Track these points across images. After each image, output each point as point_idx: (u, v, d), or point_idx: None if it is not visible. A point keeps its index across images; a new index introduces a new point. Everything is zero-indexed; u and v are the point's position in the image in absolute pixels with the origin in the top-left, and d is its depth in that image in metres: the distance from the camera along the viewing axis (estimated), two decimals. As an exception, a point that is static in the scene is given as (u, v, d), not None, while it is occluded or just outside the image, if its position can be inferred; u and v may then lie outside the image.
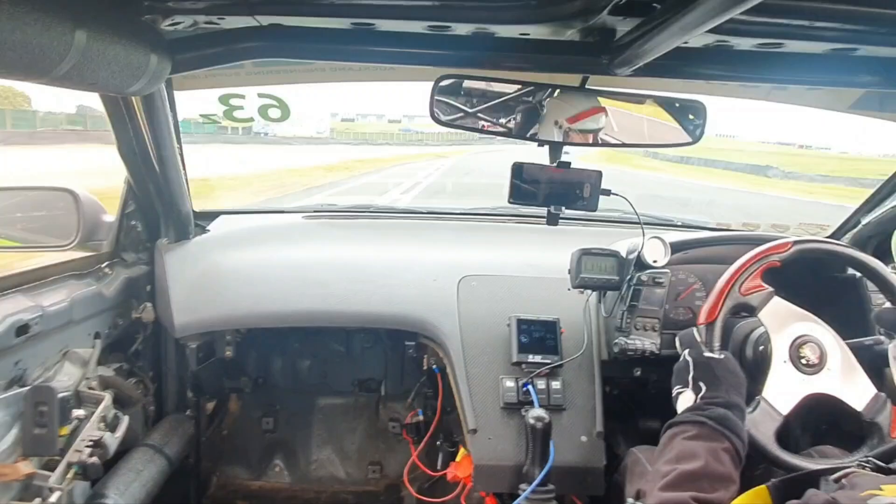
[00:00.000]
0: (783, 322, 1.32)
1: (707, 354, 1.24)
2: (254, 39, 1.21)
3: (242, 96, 1.74)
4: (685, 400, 1.19)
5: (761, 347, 1.35)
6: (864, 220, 1.75)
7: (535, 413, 1.49)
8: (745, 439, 1.10)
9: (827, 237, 1.88)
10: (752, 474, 1.37)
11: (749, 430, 1.19)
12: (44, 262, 1.50)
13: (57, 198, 1.72)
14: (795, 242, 1.35)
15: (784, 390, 1.27)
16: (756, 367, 1.37)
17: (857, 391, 1.29)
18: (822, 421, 1.62)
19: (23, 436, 1.28)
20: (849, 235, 1.80)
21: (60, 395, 1.33)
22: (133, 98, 1.46)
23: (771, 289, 1.33)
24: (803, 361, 1.28)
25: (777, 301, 1.33)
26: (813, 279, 1.66)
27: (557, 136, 1.37)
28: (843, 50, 1.15)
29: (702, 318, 1.30)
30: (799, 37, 1.10)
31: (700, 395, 1.16)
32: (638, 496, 1.31)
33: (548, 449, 1.48)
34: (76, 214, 1.67)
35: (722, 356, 1.24)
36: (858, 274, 1.63)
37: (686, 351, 1.27)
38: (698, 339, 1.28)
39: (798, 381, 1.28)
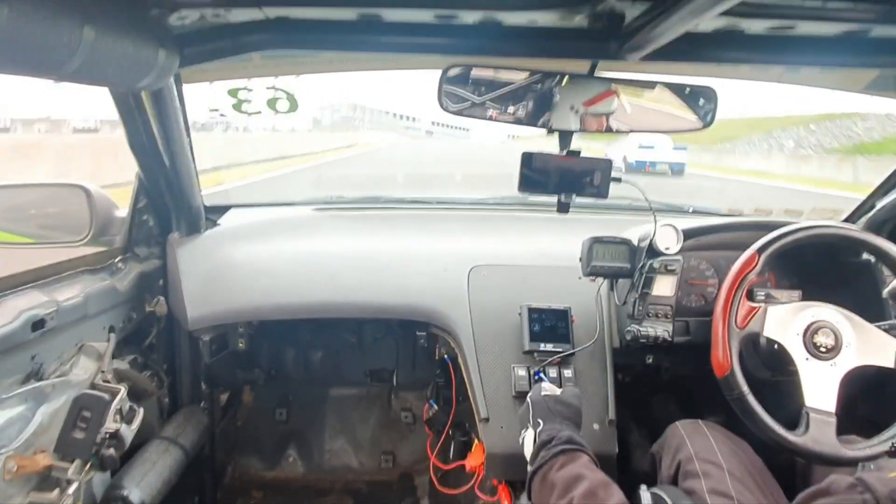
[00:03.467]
0: (786, 323, 1.31)
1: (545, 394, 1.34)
2: (261, 31, 1.21)
3: (250, 90, 1.74)
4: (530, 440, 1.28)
5: (776, 346, 1.34)
6: (879, 204, 1.72)
7: None
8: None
9: (843, 221, 1.85)
10: (776, 464, 1.36)
11: (812, 449, 1.21)
12: (58, 257, 1.51)
13: (69, 194, 1.73)
14: (759, 250, 1.36)
15: (821, 388, 1.26)
16: (773, 359, 1.36)
17: (883, 350, 1.28)
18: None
19: (61, 436, 1.30)
20: (863, 220, 1.77)
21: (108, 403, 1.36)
22: (142, 93, 1.47)
23: (762, 304, 1.33)
24: (822, 350, 1.27)
25: (772, 310, 1.32)
26: (827, 266, 1.64)
27: (572, 124, 1.36)
28: (856, 31, 1.13)
29: (719, 371, 1.31)
30: (811, 18, 1.08)
31: (539, 431, 1.25)
32: (679, 468, 1.32)
33: None
34: (88, 210, 1.68)
35: (557, 392, 1.35)
36: (873, 258, 1.61)
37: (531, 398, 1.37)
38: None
39: (827, 370, 1.26)
